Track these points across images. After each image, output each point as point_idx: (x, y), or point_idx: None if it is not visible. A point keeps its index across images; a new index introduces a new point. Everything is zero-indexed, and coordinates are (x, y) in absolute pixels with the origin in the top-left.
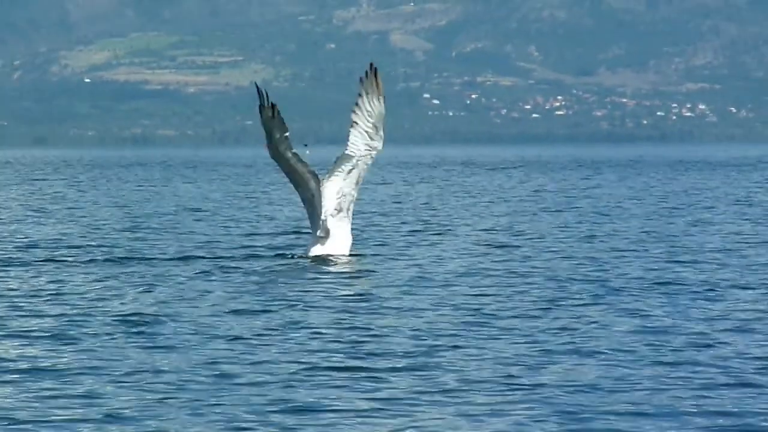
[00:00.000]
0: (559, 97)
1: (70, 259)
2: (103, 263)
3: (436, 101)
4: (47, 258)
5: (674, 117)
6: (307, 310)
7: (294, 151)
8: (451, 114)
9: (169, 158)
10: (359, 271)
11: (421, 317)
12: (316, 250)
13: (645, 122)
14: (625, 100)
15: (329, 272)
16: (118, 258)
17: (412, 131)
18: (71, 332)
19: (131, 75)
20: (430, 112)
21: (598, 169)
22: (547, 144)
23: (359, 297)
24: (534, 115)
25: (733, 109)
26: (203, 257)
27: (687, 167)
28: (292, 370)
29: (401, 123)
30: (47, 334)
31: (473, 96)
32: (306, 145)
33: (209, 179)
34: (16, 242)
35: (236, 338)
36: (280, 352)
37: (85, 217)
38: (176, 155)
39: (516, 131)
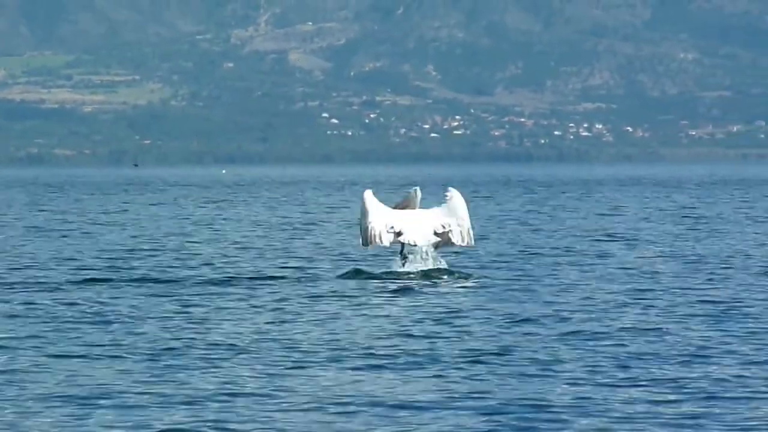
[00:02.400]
0: (457, 117)
1: None
2: None
3: (334, 120)
4: None
5: (571, 136)
6: None
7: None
8: (350, 133)
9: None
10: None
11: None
12: None
13: (543, 142)
14: (522, 119)
15: None
16: None
17: (311, 150)
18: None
19: (27, 94)
20: (328, 132)
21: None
22: (446, 163)
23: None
24: (432, 135)
25: (630, 129)
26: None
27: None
28: None
29: (300, 142)
30: None
31: (372, 115)
32: (136, 165)
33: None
34: None
35: None
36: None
37: None
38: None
39: (415, 150)
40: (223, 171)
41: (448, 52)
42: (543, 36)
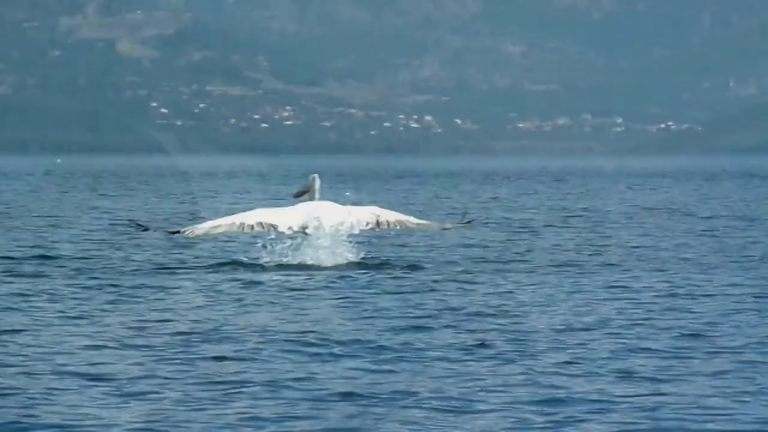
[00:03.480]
0: (288, 107)
1: None
2: None
3: (164, 110)
4: None
5: (401, 128)
6: None
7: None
8: (179, 123)
9: None
10: None
11: None
12: None
13: (373, 133)
14: (353, 110)
15: None
16: None
17: (140, 140)
18: None
19: None
20: (158, 121)
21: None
22: (276, 154)
23: None
24: (263, 125)
25: (459, 121)
26: None
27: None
28: None
29: (129, 132)
30: None
31: (201, 105)
32: None
33: None
34: None
35: None
36: None
37: None
38: None
39: (245, 141)
40: (58, 161)
41: (279, 42)
42: (374, 27)
